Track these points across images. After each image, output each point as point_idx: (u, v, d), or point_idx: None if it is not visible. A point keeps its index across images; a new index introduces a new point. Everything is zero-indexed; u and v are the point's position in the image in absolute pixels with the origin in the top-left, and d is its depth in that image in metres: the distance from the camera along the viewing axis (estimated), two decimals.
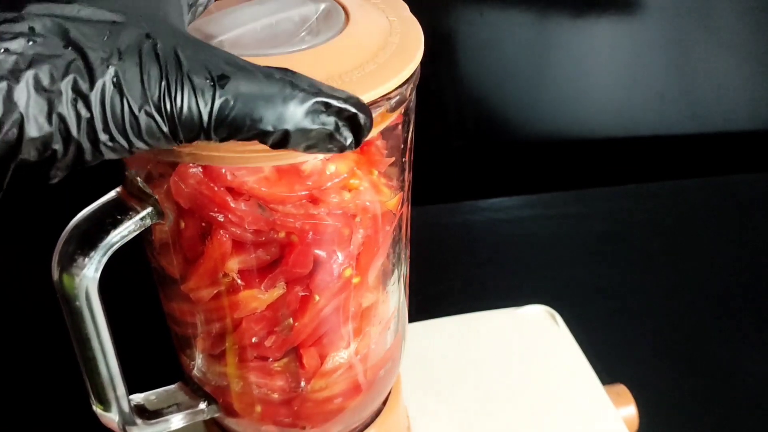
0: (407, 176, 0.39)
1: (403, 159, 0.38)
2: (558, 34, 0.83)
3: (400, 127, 0.36)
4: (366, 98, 0.30)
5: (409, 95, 0.34)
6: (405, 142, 0.37)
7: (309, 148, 0.27)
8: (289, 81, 0.26)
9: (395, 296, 0.42)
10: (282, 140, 0.26)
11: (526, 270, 0.76)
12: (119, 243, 0.33)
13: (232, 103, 0.25)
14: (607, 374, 0.58)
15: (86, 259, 0.33)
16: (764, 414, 0.62)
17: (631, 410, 0.56)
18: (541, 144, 0.89)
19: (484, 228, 0.82)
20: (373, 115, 0.28)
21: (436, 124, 0.85)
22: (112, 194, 0.34)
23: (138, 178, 0.34)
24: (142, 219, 0.34)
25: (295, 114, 0.26)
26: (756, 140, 0.93)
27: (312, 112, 0.26)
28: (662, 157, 0.92)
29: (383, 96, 0.32)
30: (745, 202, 0.86)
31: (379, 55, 0.33)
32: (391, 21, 0.35)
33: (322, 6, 0.35)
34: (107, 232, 0.33)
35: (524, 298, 0.64)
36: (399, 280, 0.42)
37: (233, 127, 0.26)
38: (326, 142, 0.27)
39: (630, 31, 0.85)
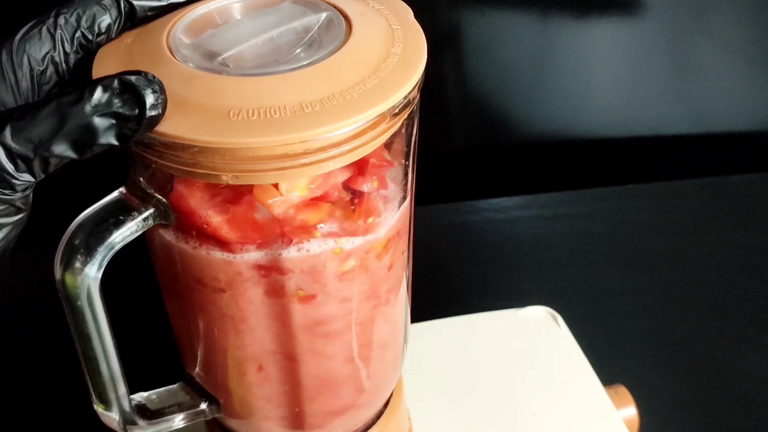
0: (410, 185, 0.39)
1: (406, 162, 0.38)
2: (559, 35, 0.83)
3: (404, 131, 0.36)
4: (367, 115, 0.31)
5: (413, 102, 0.34)
6: (409, 145, 0.37)
7: (117, 136, 0.30)
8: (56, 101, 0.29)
9: (398, 302, 0.42)
10: (82, 141, 0.29)
11: (526, 271, 0.76)
12: (122, 243, 0.33)
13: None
14: (607, 375, 0.58)
15: (88, 259, 0.33)
16: (764, 414, 0.62)
17: (631, 411, 0.56)
18: (541, 144, 0.90)
19: (484, 228, 0.82)
20: (378, 128, 0.31)
21: (437, 124, 0.85)
22: (115, 194, 0.34)
23: (141, 179, 0.34)
24: (144, 219, 0.34)
25: (78, 115, 0.29)
26: (756, 140, 0.93)
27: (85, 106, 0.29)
28: (662, 157, 0.92)
29: (385, 112, 0.32)
30: (745, 202, 0.86)
31: (381, 68, 0.32)
32: (394, 30, 0.35)
33: (324, 15, 0.35)
34: (110, 232, 0.33)
35: (525, 299, 0.64)
36: (402, 286, 0.42)
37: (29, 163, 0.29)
38: (120, 121, 0.30)
39: (631, 31, 0.85)
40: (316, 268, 0.35)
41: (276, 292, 0.36)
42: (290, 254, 0.35)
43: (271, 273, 0.35)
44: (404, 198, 0.38)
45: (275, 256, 0.35)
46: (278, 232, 0.34)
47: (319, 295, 0.36)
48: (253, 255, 0.35)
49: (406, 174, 0.38)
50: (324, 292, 0.36)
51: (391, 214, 0.37)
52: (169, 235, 0.36)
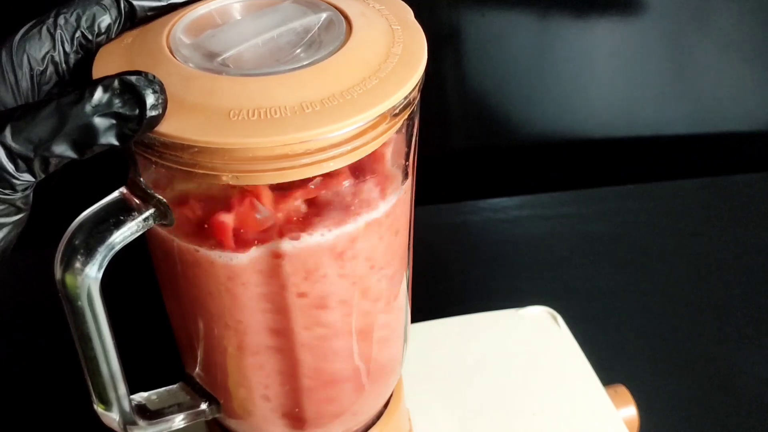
0: (411, 185, 0.39)
1: (407, 163, 0.38)
2: (559, 35, 0.83)
3: (404, 132, 0.36)
4: (367, 116, 0.31)
5: (413, 102, 0.34)
6: (409, 145, 0.37)
7: (118, 136, 0.30)
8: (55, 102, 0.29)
9: (398, 302, 0.42)
10: (82, 141, 0.29)
11: (526, 270, 0.76)
12: (122, 243, 0.33)
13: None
14: (607, 375, 0.58)
15: (89, 259, 0.33)
16: (764, 414, 0.62)
17: (631, 411, 0.56)
18: (541, 144, 0.90)
19: (484, 228, 0.82)
20: (378, 128, 0.31)
21: (437, 124, 0.85)
22: (115, 194, 0.34)
23: (141, 179, 0.34)
24: (145, 220, 0.34)
25: (78, 115, 0.29)
26: (756, 140, 0.93)
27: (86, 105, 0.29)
28: (662, 157, 0.92)
29: (386, 112, 0.32)
30: (745, 202, 0.86)
31: (381, 69, 0.32)
32: (394, 30, 0.35)
33: (324, 16, 0.35)
34: (110, 233, 0.33)
35: (525, 299, 0.64)
36: (402, 286, 0.42)
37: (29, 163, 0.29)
38: (121, 121, 0.30)
39: (631, 31, 0.85)
40: (313, 261, 0.35)
41: (275, 288, 0.36)
42: (287, 248, 0.35)
43: (270, 269, 0.35)
44: (403, 197, 0.38)
45: (273, 250, 0.35)
46: (277, 229, 0.34)
47: (317, 291, 0.36)
48: (251, 253, 0.35)
49: (406, 174, 0.38)
50: (322, 288, 0.36)
51: (390, 212, 0.37)
52: (169, 235, 0.36)
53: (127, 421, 0.38)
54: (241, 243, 0.35)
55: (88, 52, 0.35)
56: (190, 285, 0.37)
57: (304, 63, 0.32)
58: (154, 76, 0.30)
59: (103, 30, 0.34)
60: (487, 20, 0.80)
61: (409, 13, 0.37)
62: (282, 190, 0.34)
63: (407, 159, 0.38)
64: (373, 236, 0.36)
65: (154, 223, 0.34)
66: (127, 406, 0.38)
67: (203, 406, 0.42)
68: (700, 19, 0.86)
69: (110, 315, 0.35)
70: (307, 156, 0.31)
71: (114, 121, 0.29)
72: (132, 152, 0.33)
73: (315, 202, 0.35)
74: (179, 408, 0.41)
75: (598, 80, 0.88)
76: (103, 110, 0.29)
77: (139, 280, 0.50)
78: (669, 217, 0.84)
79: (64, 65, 0.34)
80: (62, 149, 0.29)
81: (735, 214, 0.85)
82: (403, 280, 0.41)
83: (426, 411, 0.55)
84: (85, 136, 0.29)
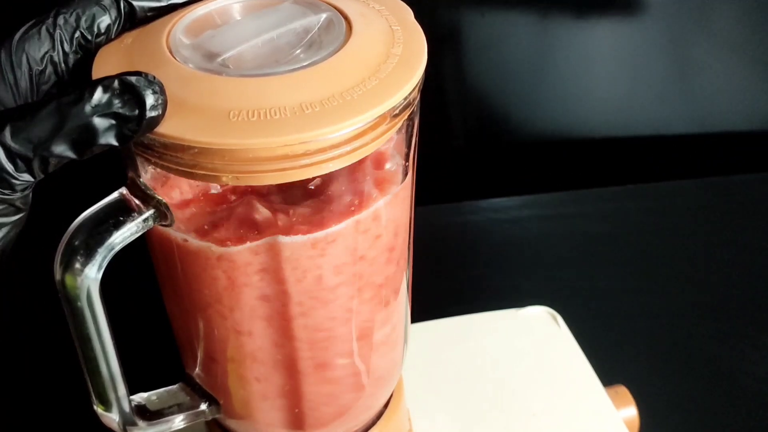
0: (411, 185, 0.39)
1: (406, 163, 0.38)
2: (559, 35, 0.83)
3: (404, 132, 0.36)
4: (367, 116, 0.31)
5: (413, 103, 0.34)
6: (409, 145, 0.37)
7: (117, 136, 0.30)
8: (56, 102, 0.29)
9: (398, 302, 0.42)
10: (82, 141, 0.29)
11: (526, 271, 0.76)
12: (122, 244, 0.33)
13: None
14: (607, 375, 0.58)
15: (88, 260, 0.33)
16: (764, 414, 0.62)
17: (631, 411, 0.56)
18: (541, 144, 0.90)
19: (484, 228, 0.82)
20: (378, 129, 0.31)
21: (437, 124, 0.85)
22: (115, 195, 0.34)
23: (141, 180, 0.34)
24: (144, 220, 0.34)
25: (79, 114, 0.29)
26: (756, 140, 0.93)
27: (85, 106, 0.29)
28: (662, 157, 0.92)
29: (385, 113, 0.32)
30: (745, 202, 0.86)
31: (381, 69, 0.32)
32: (394, 30, 0.35)
33: (324, 16, 0.35)
34: (110, 234, 0.33)
35: (525, 299, 0.64)
36: (402, 286, 0.42)
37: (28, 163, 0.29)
38: (120, 121, 0.30)
39: (631, 31, 0.85)
40: (311, 260, 0.35)
41: (274, 286, 0.36)
42: (285, 246, 0.35)
43: (268, 267, 0.35)
44: (403, 197, 0.38)
45: (271, 247, 0.35)
46: (275, 227, 0.34)
47: (315, 290, 0.36)
48: (250, 251, 0.35)
49: (405, 174, 0.38)
50: (321, 286, 0.36)
51: (391, 212, 0.37)
52: (168, 235, 0.36)
53: (126, 422, 0.38)
54: (240, 240, 0.35)
55: (87, 52, 0.35)
56: (189, 284, 0.37)
57: (304, 64, 0.32)
58: (154, 77, 0.30)
59: (102, 30, 0.34)
60: (487, 20, 0.80)
61: (409, 13, 0.37)
62: (281, 189, 0.34)
63: (407, 159, 0.38)
64: (372, 236, 0.36)
65: (154, 223, 0.34)
66: (126, 407, 0.38)
67: (203, 406, 0.42)
68: (700, 19, 0.86)
69: (110, 315, 0.35)
70: (307, 157, 0.31)
71: (114, 122, 0.29)
72: (132, 153, 0.33)
73: (315, 201, 0.35)
74: (179, 408, 0.41)
75: (598, 80, 0.88)
76: (103, 110, 0.29)
77: (139, 280, 0.50)
78: (669, 217, 0.84)
79: (63, 65, 0.34)
80: (62, 149, 0.29)
81: (735, 214, 0.85)
82: (403, 280, 0.41)
83: (426, 411, 0.55)
84: (85, 136, 0.29)
